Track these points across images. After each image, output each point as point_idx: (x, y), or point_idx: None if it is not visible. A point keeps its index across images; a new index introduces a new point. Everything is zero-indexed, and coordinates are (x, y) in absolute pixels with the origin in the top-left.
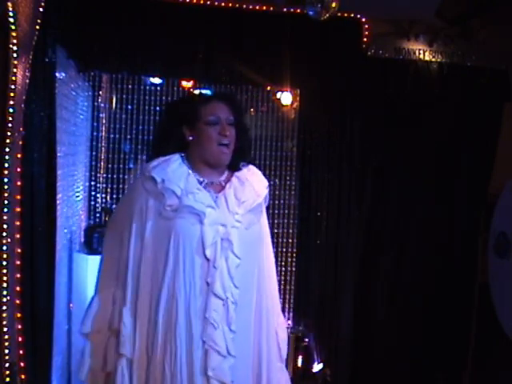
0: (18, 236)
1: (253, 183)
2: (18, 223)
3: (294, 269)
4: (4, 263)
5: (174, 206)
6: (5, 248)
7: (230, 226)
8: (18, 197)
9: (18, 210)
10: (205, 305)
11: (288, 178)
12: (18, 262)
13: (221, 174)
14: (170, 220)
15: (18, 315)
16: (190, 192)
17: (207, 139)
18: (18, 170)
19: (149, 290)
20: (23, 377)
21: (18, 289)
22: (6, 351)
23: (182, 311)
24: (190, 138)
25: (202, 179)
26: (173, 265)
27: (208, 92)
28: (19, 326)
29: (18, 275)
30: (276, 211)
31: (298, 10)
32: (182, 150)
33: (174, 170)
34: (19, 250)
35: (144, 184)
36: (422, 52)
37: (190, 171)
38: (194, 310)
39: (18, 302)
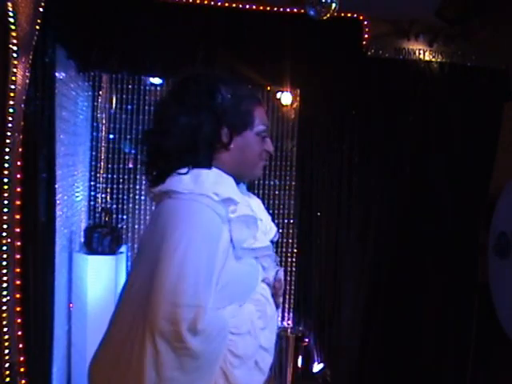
0: (17, 236)
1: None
2: (18, 229)
3: (294, 269)
4: (4, 263)
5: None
6: (5, 248)
7: None
8: (18, 202)
9: (18, 216)
10: None
11: (288, 178)
12: (18, 257)
13: None
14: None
15: (18, 315)
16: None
17: (255, 154)
18: (18, 168)
19: None
20: (23, 377)
21: (18, 288)
22: (6, 351)
23: None
24: (231, 147)
25: None
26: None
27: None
28: (19, 326)
29: (18, 276)
30: (276, 211)
31: (298, 10)
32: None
33: (236, 189)
34: (19, 251)
35: (217, 211)
36: (422, 52)
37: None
38: None
39: (18, 301)
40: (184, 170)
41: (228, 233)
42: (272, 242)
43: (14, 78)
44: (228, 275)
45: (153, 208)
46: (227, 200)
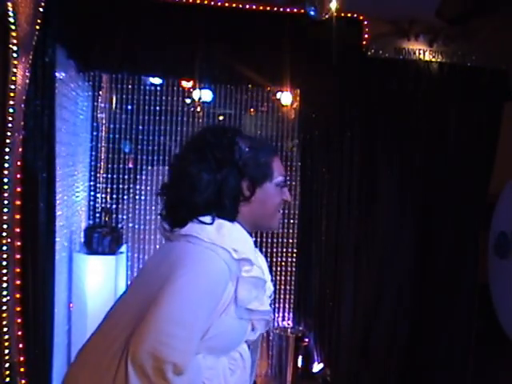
0: (17, 236)
1: None
2: (18, 229)
3: (293, 269)
4: (4, 263)
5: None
6: (5, 248)
7: None
8: (18, 202)
9: (18, 216)
10: None
11: (288, 177)
12: (18, 257)
13: None
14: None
15: (18, 315)
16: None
17: (274, 205)
18: (18, 169)
19: None
20: (23, 377)
21: (18, 288)
22: (6, 351)
23: None
24: (253, 199)
25: None
26: None
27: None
28: (19, 326)
29: (18, 276)
30: None
31: (298, 10)
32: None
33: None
34: (19, 251)
35: (231, 268)
36: (422, 52)
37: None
38: None
39: (18, 301)
40: (208, 219)
41: (233, 288)
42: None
43: (14, 78)
44: (218, 329)
45: (153, 208)
46: (244, 260)
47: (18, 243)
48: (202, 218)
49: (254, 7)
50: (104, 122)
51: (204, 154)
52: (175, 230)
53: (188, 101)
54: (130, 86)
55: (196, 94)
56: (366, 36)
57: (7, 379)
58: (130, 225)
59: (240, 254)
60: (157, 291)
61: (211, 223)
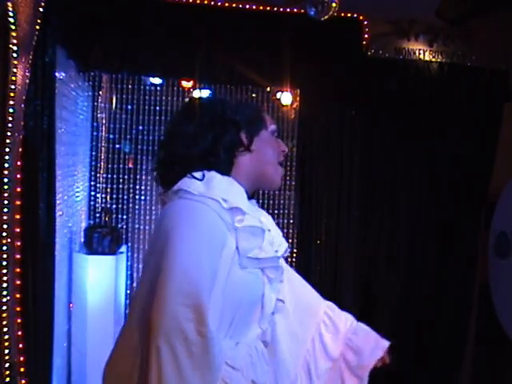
0: (17, 236)
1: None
2: (18, 229)
3: (293, 269)
4: (4, 263)
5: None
6: (5, 248)
7: None
8: (18, 202)
9: (18, 216)
10: None
11: (288, 177)
12: (18, 257)
13: None
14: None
15: (18, 315)
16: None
17: (272, 152)
18: (18, 169)
19: None
20: (23, 377)
21: (18, 288)
22: (6, 351)
23: None
24: (253, 147)
25: None
26: None
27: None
28: (19, 326)
29: (18, 276)
30: (276, 211)
31: (298, 10)
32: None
33: (247, 202)
34: (19, 251)
35: (223, 217)
36: (422, 52)
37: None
38: None
39: (18, 301)
40: (198, 174)
41: (234, 240)
42: (282, 257)
43: (14, 78)
44: (233, 283)
45: (153, 208)
46: (235, 209)
47: (18, 243)
48: (194, 174)
49: (254, 7)
50: (104, 121)
51: (196, 114)
52: (169, 189)
53: None
54: (129, 86)
55: (196, 94)
56: (366, 36)
57: (7, 379)
58: (130, 225)
59: (230, 204)
60: (160, 260)
61: (202, 179)
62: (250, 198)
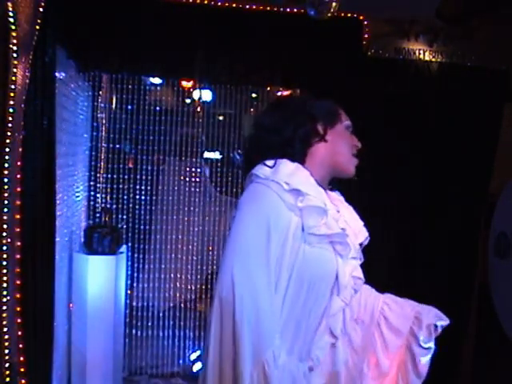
0: (17, 236)
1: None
2: (18, 229)
3: None
4: (4, 263)
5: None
6: (5, 248)
7: None
8: (18, 202)
9: (18, 216)
10: None
11: None
12: (18, 257)
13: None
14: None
15: (18, 315)
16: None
17: (346, 144)
18: (18, 169)
19: None
20: (23, 377)
21: (18, 288)
22: (6, 351)
23: None
24: (328, 138)
25: None
26: None
27: None
28: (19, 326)
29: (18, 276)
30: None
31: (298, 10)
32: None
33: (314, 186)
34: (19, 251)
35: (284, 198)
36: (422, 52)
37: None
38: None
39: (18, 301)
40: (271, 162)
41: (299, 219)
42: (361, 245)
43: (14, 78)
44: (304, 260)
45: (153, 208)
46: (295, 191)
47: (18, 243)
48: (266, 162)
49: (254, 7)
50: (104, 121)
51: (278, 109)
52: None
53: (188, 101)
54: (129, 86)
55: (196, 94)
56: (366, 36)
57: (7, 379)
58: (130, 225)
59: (291, 186)
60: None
61: (273, 166)
62: (325, 186)
